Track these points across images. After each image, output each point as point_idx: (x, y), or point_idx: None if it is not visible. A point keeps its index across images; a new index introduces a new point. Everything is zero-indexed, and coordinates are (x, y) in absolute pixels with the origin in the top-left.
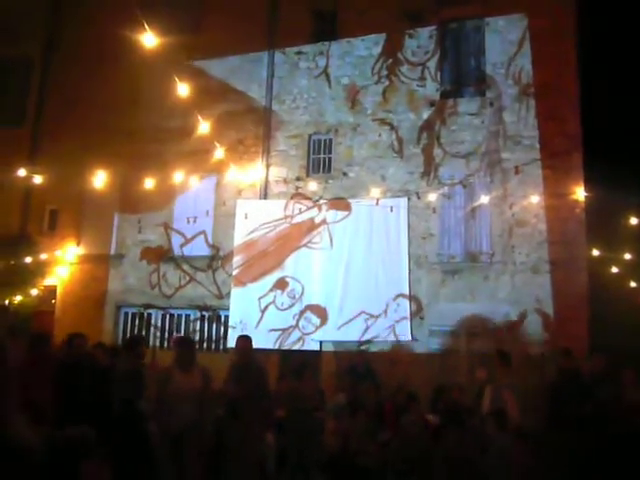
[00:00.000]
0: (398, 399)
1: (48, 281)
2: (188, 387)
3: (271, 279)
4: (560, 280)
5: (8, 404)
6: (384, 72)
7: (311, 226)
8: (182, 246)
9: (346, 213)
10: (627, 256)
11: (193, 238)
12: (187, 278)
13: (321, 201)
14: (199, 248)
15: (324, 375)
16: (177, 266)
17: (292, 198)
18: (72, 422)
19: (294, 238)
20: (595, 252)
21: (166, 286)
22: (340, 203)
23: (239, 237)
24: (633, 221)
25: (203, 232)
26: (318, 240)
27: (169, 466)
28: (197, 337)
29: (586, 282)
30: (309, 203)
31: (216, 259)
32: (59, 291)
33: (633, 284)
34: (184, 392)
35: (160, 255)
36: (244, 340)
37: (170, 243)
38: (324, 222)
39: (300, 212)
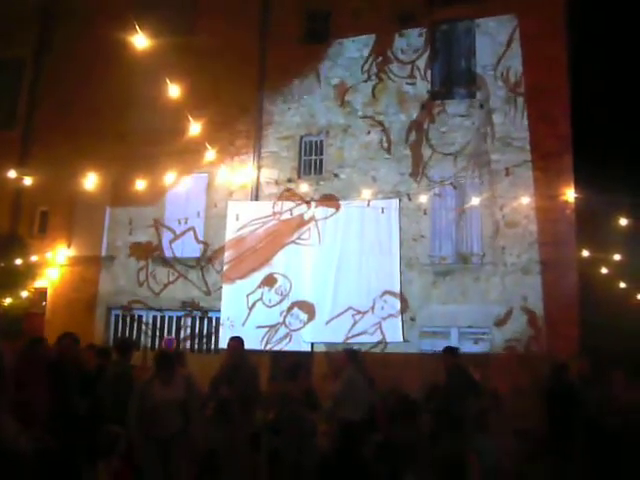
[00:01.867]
0: (390, 400)
1: (39, 283)
2: (170, 398)
3: (259, 275)
4: (550, 281)
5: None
6: (374, 70)
7: (300, 222)
8: (172, 242)
9: (334, 210)
10: (617, 257)
11: (183, 233)
12: (175, 275)
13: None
14: (189, 249)
15: (315, 376)
16: (166, 264)
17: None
18: (59, 422)
19: (283, 234)
20: (585, 253)
21: (154, 283)
22: (329, 200)
23: (229, 237)
24: (623, 222)
25: (192, 228)
26: (307, 236)
27: (155, 469)
28: (187, 334)
29: (576, 283)
30: (298, 200)
31: (204, 259)
32: (50, 293)
33: (623, 285)
34: (166, 403)
35: (149, 251)
36: (236, 341)
37: (160, 242)
38: (313, 219)
39: (290, 209)
